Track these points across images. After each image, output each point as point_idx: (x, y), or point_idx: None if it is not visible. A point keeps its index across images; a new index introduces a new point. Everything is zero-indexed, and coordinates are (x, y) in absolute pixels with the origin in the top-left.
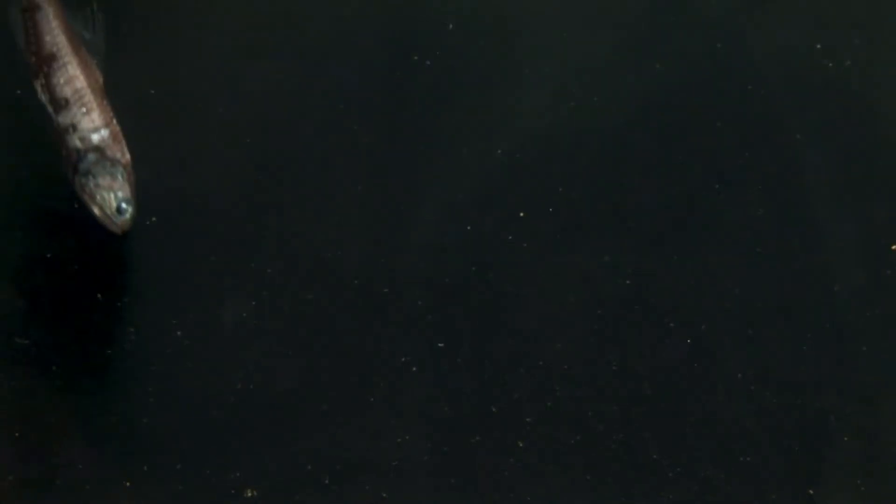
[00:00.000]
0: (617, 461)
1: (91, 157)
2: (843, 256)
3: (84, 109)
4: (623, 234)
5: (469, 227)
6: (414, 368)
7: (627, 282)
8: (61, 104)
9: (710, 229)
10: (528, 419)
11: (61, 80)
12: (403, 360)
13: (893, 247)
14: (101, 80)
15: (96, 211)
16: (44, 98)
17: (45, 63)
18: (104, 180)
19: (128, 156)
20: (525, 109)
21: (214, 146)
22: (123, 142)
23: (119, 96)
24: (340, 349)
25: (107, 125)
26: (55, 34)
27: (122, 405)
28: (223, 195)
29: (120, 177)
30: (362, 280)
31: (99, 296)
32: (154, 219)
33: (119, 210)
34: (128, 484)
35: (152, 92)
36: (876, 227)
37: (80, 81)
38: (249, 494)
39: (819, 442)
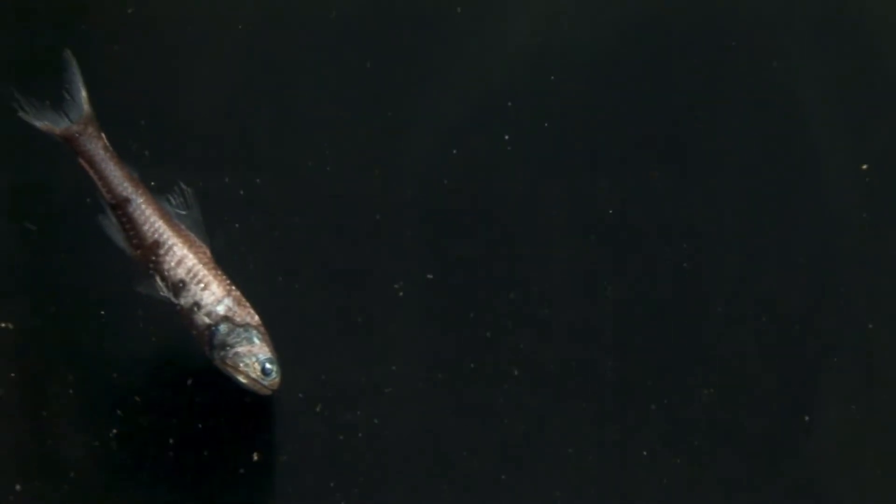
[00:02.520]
0: (611, 388)
1: (222, 328)
2: (838, 181)
3: (202, 285)
4: (614, 159)
5: (460, 153)
6: (407, 295)
7: (620, 207)
8: (178, 286)
9: (702, 154)
10: (521, 345)
11: (172, 264)
12: (396, 286)
13: (864, 166)
14: (208, 252)
15: (242, 379)
16: (164, 289)
17: (151, 252)
18: (242, 347)
19: (256, 316)
20: (516, 33)
21: (204, 73)
22: (248, 304)
23: None
24: (332, 276)
25: (228, 293)
26: (153, 221)
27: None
28: (214, 120)
29: (256, 339)
30: (354, 206)
31: None
32: (147, 153)
33: (265, 372)
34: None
35: None
36: (872, 150)
37: (190, 259)
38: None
39: (814, 369)
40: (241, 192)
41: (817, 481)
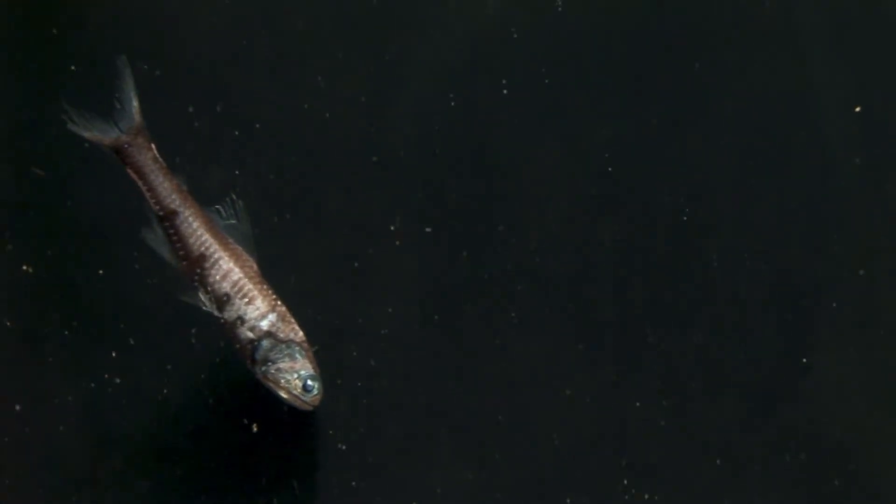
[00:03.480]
0: (610, 330)
1: (265, 343)
2: (837, 117)
3: (246, 300)
4: (612, 103)
5: (457, 97)
6: (403, 237)
7: (617, 151)
8: (223, 300)
9: (699, 99)
10: (519, 287)
11: (217, 277)
12: (393, 228)
13: (857, 108)
14: (255, 266)
15: (283, 394)
16: (208, 303)
17: (197, 265)
18: (284, 363)
19: (300, 332)
20: None
21: (201, 13)
22: (293, 320)
23: None
24: (328, 217)
25: (272, 309)
26: (199, 234)
27: None
28: (208, 57)
29: (298, 356)
30: (350, 149)
31: None
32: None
33: (306, 388)
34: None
35: None
36: (871, 83)
37: (236, 273)
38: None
39: (813, 310)
40: (237, 134)
41: (815, 423)
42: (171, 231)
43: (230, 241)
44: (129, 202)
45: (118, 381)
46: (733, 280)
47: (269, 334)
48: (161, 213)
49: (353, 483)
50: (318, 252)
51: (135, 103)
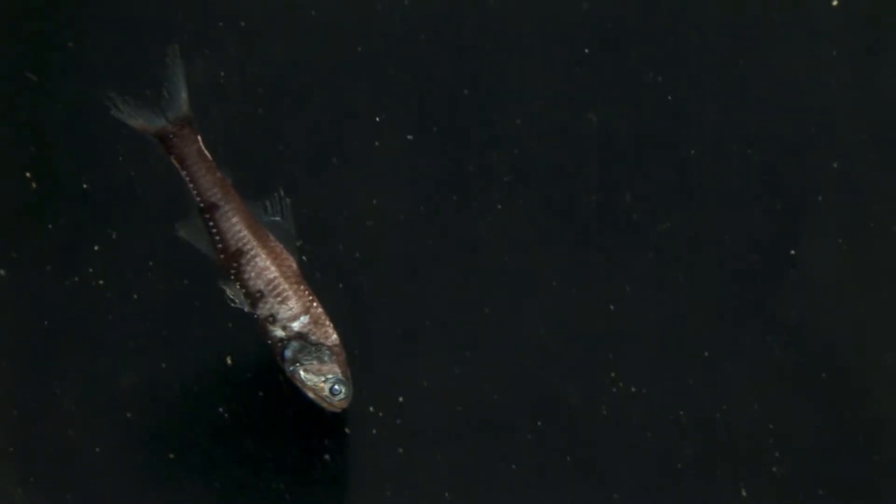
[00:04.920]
0: (596, 220)
1: (294, 344)
2: (827, 19)
3: (280, 299)
4: None
5: None
6: (388, 127)
7: (602, 35)
8: (256, 296)
9: None
10: (505, 179)
11: (252, 274)
12: (378, 119)
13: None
14: (294, 265)
15: (311, 395)
16: (237, 299)
17: (234, 259)
18: (311, 366)
19: (333, 336)
20: None
21: None
22: (328, 323)
23: None
24: (313, 109)
25: (306, 311)
26: (238, 229)
27: None
28: None
29: (327, 359)
30: (336, 38)
31: None
32: None
33: (332, 392)
34: None
35: None
36: None
37: (272, 272)
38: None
39: (801, 202)
40: (221, 26)
41: (803, 315)
42: (211, 224)
43: (271, 238)
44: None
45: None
46: (720, 170)
47: (299, 336)
48: (202, 206)
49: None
50: (303, 144)
51: (184, 94)
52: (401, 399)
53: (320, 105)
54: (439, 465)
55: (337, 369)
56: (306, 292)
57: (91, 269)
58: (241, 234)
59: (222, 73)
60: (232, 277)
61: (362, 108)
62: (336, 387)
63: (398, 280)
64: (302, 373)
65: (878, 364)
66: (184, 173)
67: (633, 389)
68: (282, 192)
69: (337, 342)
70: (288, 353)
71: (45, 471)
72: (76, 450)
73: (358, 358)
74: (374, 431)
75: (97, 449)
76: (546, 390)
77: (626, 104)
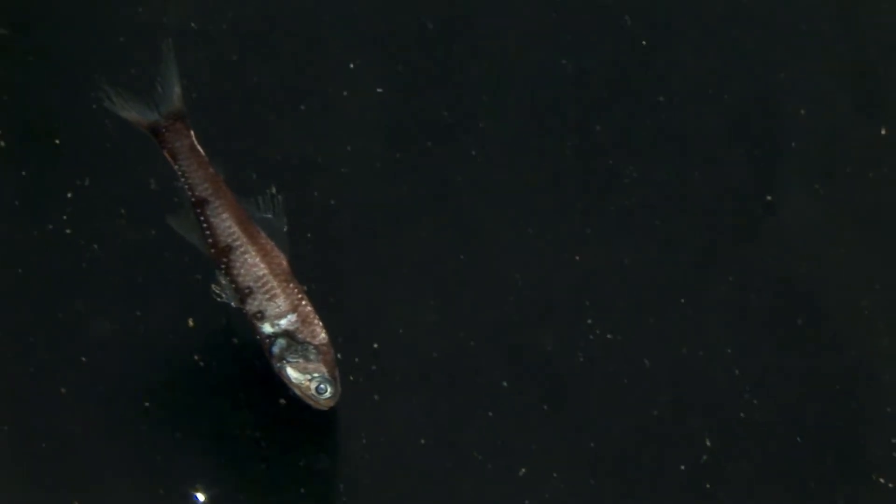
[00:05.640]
0: (573, 165)
1: (281, 342)
2: None
3: (268, 296)
4: None
5: None
6: (362, 72)
7: None
8: (245, 292)
9: None
10: (481, 125)
11: (242, 270)
12: (352, 66)
13: None
14: (284, 262)
15: (297, 392)
16: (224, 294)
17: (223, 255)
18: (298, 364)
19: (321, 335)
20: None
21: None
22: (316, 321)
23: None
24: (286, 55)
25: (294, 309)
26: (228, 225)
27: None
28: None
29: (313, 357)
30: None
31: None
32: None
33: (318, 391)
34: None
35: None
36: None
37: (262, 269)
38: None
39: (778, 147)
40: None
41: (780, 262)
42: (202, 219)
43: (261, 234)
44: None
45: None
46: (696, 115)
47: (286, 333)
48: (193, 200)
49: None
50: (276, 90)
51: (177, 88)
52: (375, 345)
53: (292, 50)
54: (414, 411)
55: (323, 368)
56: (295, 290)
57: (64, 217)
58: (232, 230)
59: (193, 23)
60: (222, 272)
61: (336, 53)
62: (322, 386)
63: (373, 226)
64: (288, 370)
65: (855, 309)
66: (176, 167)
67: (609, 336)
68: (274, 190)
69: (325, 341)
70: (275, 350)
71: (16, 414)
72: (47, 394)
73: (332, 304)
74: (350, 378)
75: (62, 389)
76: (522, 337)
77: (601, 49)
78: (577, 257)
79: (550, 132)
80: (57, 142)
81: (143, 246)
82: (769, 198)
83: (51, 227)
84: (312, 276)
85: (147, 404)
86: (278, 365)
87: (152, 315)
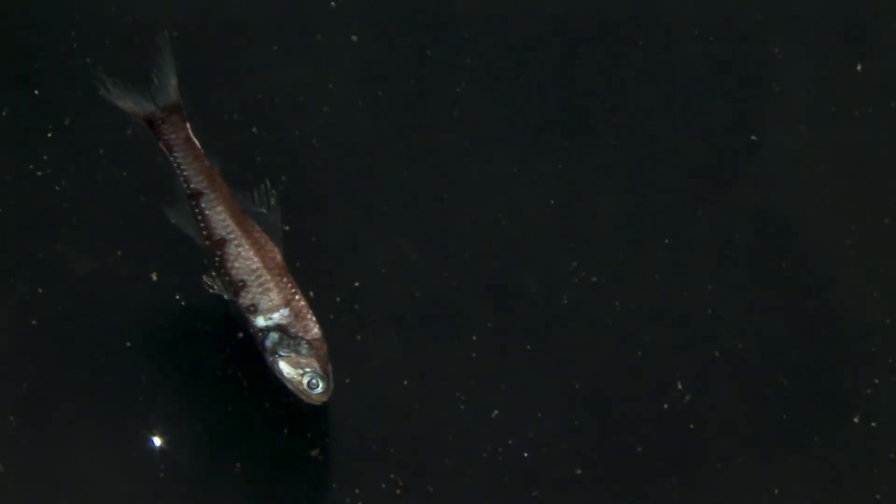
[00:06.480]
0: (558, 105)
1: (273, 336)
2: None
3: (261, 290)
4: None
5: None
6: (347, 10)
7: None
8: (239, 286)
9: None
10: (466, 61)
11: (236, 263)
12: (333, 4)
13: None
14: (279, 256)
15: (289, 386)
16: (216, 286)
17: (218, 248)
18: (290, 358)
19: (314, 330)
20: None
21: None
22: (309, 317)
23: None
24: None
25: (287, 303)
26: (222, 218)
27: None
28: None
29: (304, 352)
30: None
31: None
32: None
33: (309, 385)
34: None
35: None
36: None
37: (256, 262)
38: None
39: (762, 88)
40: None
41: (763, 201)
42: (197, 211)
43: (256, 228)
44: None
45: None
46: (680, 56)
47: (279, 328)
48: (188, 192)
49: (297, 264)
50: (257, 28)
51: (173, 81)
52: (357, 284)
53: None
54: (397, 352)
55: (315, 364)
56: (289, 284)
57: (44, 157)
58: (226, 224)
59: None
60: (216, 265)
61: None
62: (314, 381)
63: (355, 167)
64: (280, 364)
65: (838, 250)
66: (171, 159)
67: (593, 279)
68: (269, 184)
69: (318, 336)
70: (268, 344)
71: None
72: (26, 333)
73: (314, 243)
74: (331, 317)
75: (43, 328)
76: (506, 279)
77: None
78: (562, 199)
79: (534, 71)
80: (37, 81)
81: (124, 185)
82: (753, 138)
83: (31, 166)
84: (295, 215)
85: (128, 343)
86: (271, 359)
87: (133, 254)
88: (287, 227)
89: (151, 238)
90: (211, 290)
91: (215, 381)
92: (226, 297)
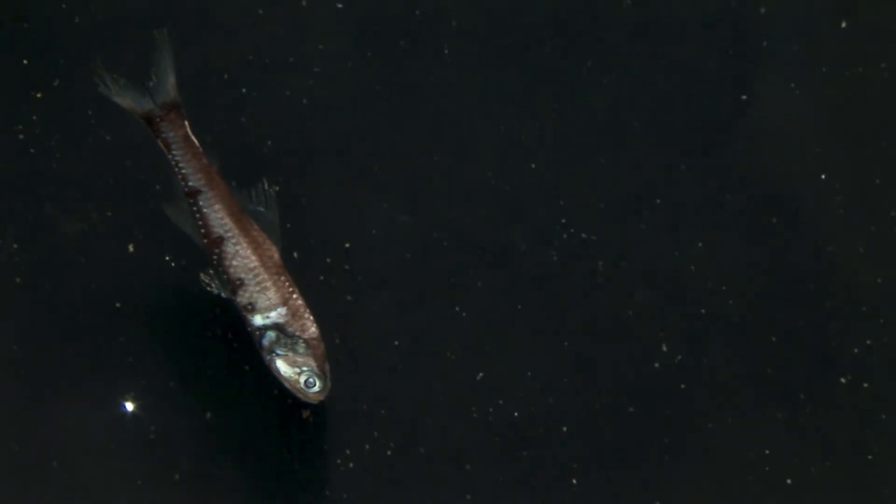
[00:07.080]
0: (547, 66)
1: (271, 334)
2: None
3: (259, 288)
4: None
5: None
6: None
7: None
8: (237, 284)
9: None
10: (454, 23)
11: (233, 261)
12: None
13: None
14: (276, 255)
15: (287, 384)
16: (214, 284)
17: (216, 245)
18: (287, 357)
19: (312, 329)
20: None
21: None
22: (307, 315)
23: None
24: None
25: (284, 302)
26: (220, 216)
27: None
28: None
29: (302, 351)
30: None
31: None
32: None
33: (306, 384)
34: None
35: None
36: None
37: (253, 261)
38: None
39: (752, 47)
40: None
41: (754, 161)
42: (195, 209)
43: (254, 226)
44: None
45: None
46: (670, 13)
47: (276, 326)
48: (186, 190)
49: (287, 225)
50: None
51: (171, 79)
52: (347, 245)
53: None
54: (388, 312)
55: (312, 362)
56: (286, 283)
57: (34, 117)
58: (224, 222)
59: None
60: (214, 263)
61: None
62: (310, 380)
63: (345, 125)
64: (278, 363)
65: (829, 209)
66: (169, 157)
67: (583, 236)
68: (265, 183)
69: (315, 335)
70: (265, 343)
71: None
72: (17, 295)
73: (304, 203)
74: (322, 278)
75: (34, 289)
76: (495, 237)
77: None
78: (552, 157)
79: (524, 31)
80: (27, 42)
81: (114, 147)
82: (744, 97)
83: (20, 127)
84: (285, 175)
85: (118, 304)
86: (268, 357)
87: (122, 216)
88: (276, 188)
89: (140, 200)
90: (208, 288)
91: (205, 343)
92: (223, 295)
